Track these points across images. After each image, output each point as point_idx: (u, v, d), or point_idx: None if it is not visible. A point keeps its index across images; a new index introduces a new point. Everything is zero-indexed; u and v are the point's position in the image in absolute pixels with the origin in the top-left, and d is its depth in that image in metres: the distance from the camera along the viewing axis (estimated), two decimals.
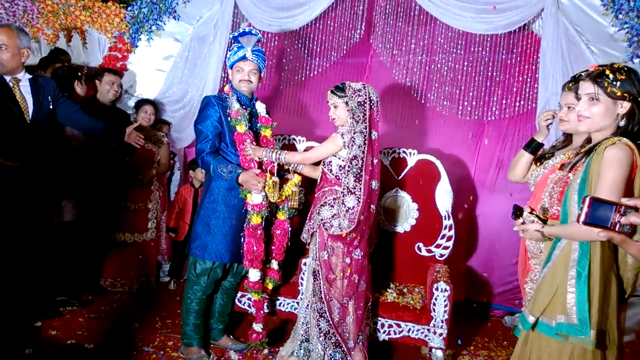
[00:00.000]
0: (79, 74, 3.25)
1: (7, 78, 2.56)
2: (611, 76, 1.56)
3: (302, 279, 2.84)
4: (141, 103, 3.72)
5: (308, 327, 2.47)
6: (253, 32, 2.60)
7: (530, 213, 1.65)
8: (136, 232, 3.69)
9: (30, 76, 2.65)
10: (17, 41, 2.55)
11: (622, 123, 1.58)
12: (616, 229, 0.81)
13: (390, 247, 3.25)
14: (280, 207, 2.69)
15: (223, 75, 3.73)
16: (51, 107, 2.72)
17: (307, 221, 2.51)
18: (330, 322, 2.38)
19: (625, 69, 1.59)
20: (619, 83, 1.55)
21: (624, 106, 1.56)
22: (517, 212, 1.69)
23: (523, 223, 1.67)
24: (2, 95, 2.51)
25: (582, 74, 1.70)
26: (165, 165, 3.81)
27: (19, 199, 2.59)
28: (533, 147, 2.17)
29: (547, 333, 1.55)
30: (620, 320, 1.56)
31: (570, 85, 1.97)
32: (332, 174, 2.43)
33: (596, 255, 1.48)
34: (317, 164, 2.58)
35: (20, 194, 2.60)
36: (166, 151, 3.79)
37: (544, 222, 1.66)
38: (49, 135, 2.77)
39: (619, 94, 1.56)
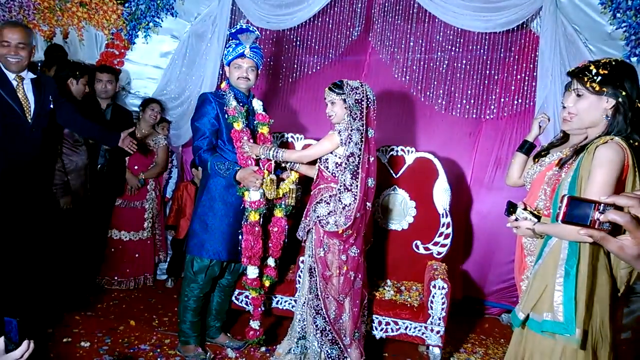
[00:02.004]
0: (77, 72, 3.23)
1: (12, 76, 2.55)
2: (594, 71, 1.54)
3: (299, 276, 2.84)
4: (148, 101, 3.76)
5: (305, 324, 2.47)
6: (251, 29, 2.59)
7: (524, 210, 1.65)
8: (132, 230, 3.69)
9: (34, 75, 2.64)
10: (31, 39, 2.59)
11: (605, 120, 1.55)
12: (596, 227, 0.81)
13: (388, 244, 3.25)
14: (277, 204, 2.69)
15: (221, 72, 3.72)
16: (52, 106, 2.72)
17: (303, 218, 2.51)
18: (327, 319, 2.38)
19: (613, 63, 1.56)
20: (599, 78, 1.53)
21: (609, 101, 1.55)
22: (511, 208, 1.68)
23: (516, 220, 1.66)
24: (5, 94, 2.50)
25: (570, 70, 1.69)
26: (160, 167, 3.79)
27: (22, 198, 2.60)
28: (526, 148, 2.19)
29: (535, 330, 1.55)
30: (617, 319, 1.56)
31: (567, 87, 1.97)
32: (329, 172, 2.42)
33: (585, 254, 1.46)
34: (314, 162, 2.57)
35: (24, 194, 2.61)
36: (163, 153, 3.79)
37: (538, 218, 1.65)
38: (49, 135, 2.77)
39: (597, 88, 1.54)
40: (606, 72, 1.53)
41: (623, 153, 1.46)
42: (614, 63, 1.56)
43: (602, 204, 0.81)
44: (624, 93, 1.53)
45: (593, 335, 1.48)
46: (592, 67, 1.56)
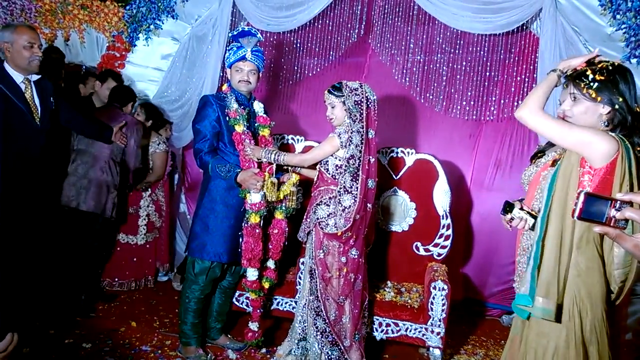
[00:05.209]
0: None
1: (20, 79, 2.58)
2: (590, 76, 1.53)
3: (299, 277, 2.85)
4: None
5: (305, 326, 2.48)
6: (253, 32, 2.60)
7: (521, 210, 1.65)
8: (129, 234, 3.68)
9: (38, 77, 2.67)
10: (40, 41, 2.62)
11: (602, 125, 1.54)
12: (611, 224, 0.81)
13: (388, 246, 3.25)
14: (278, 206, 2.69)
15: (222, 74, 3.73)
16: (53, 107, 2.75)
17: (303, 220, 2.51)
18: (327, 321, 2.38)
19: (610, 68, 1.54)
20: (595, 84, 1.52)
21: (605, 107, 1.53)
22: (507, 207, 1.69)
23: (511, 219, 1.66)
24: (15, 98, 2.52)
25: (568, 74, 1.67)
26: (156, 175, 3.72)
27: (31, 201, 2.62)
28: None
29: (521, 316, 1.55)
30: (616, 320, 1.55)
31: (565, 85, 1.96)
32: (329, 174, 2.43)
33: (553, 228, 1.47)
34: (315, 164, 2.58)
35: (33, 197, 2.63)
36: (159, 160, 3.69)
37: (535, 218, 1.66)
38: (53, 136, 2.80)
39: (593, 95, 1.52)
40: (603, 78, 1.52)
41: (616, 143, 1.43)
42: (610, 68, 1.54)
43: (619, 202, 0.80)
44: (620, 99, 1.51)
45: (584, 333, 1.48)
46: (589, 72, 1.54)
